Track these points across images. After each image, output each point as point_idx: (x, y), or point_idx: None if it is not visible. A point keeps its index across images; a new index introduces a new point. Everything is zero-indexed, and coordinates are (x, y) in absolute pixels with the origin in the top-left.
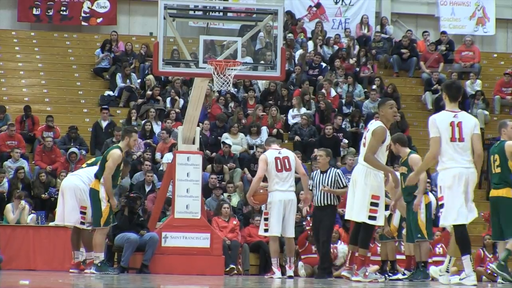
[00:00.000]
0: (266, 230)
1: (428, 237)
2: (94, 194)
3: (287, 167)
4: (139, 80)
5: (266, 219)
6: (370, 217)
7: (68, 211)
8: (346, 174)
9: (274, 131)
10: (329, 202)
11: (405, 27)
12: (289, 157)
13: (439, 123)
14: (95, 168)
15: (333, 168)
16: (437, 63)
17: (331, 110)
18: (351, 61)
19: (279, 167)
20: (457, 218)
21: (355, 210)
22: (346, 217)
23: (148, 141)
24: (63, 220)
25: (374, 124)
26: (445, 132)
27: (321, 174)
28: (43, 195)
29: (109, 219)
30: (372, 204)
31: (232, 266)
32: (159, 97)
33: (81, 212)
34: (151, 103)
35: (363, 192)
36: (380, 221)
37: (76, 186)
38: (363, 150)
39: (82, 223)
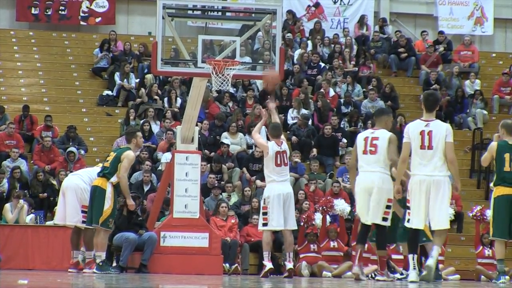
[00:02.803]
0: (265, 225)
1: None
2: (99, 192)
3: (285, 161)
4: (137, 80)
5: (264, 213)
6: (384, 219)
7: (70, 211)
8: (345, 174)
9: None
10: None
11: (403, 27)
12: (287, 151)
13: (411, 131)
14: (97, 169)
15: None
16: (436, 63)
17: (328, 109)
18: (350, 65)
19: (279, 162)
20: (413, 222)
21: (372, 213)
22: (372, 221)
23: (148, 143)
24: (64, 219)
25: (383, 132)
26: (415, 140)
27: None
28: (40, 195)
29: (107, 221)
30: (387, 207)
31: (225, 265)
32: (156, 97)
33: (83, 211)
34: (149, 103)
35: (380, 196)
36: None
37: (77, 185)
38: (373, 158)
39: (83, 222)
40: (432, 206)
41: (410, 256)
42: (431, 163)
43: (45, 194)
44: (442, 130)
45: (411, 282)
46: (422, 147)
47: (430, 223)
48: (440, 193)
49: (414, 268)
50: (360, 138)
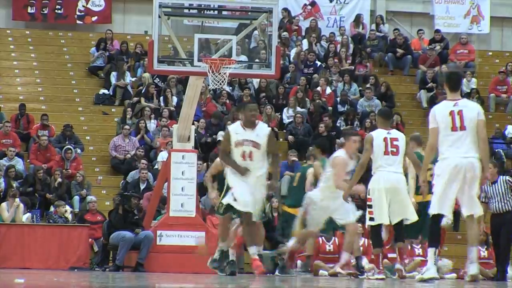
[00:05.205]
0: None
1: None
2: None
3: None
4: (133, 79)
5: None
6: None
7: None
8: None
9: None
10: (509, 209)
11: (400, 25)
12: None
13: (438, 114)
14: None
15: (501, 177)
16: (434, 64)
17: (320, 112)
18: (345, 64)
19: None
20: (440, 209)
21: (407, 212)
22: (396, 221)
23: (146, 138)
24: None
25: (398, 133)
26: (445, 122)
27: (492, 185)
28: (48, 194)
29: None
30: None
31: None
32: (154, 90)
33: None
34: (146, 102)
35: (405, 195)
36: None
37: None
38: (396, 159)
39: None
40: (466, 191)
41: (431, 250)
42: (464, 144)
43: (51, 195)
44: (473, 109)
45: (430, 279)
46: (454, 128)
47: (462, 209)
48: (474, 177)
49: (435, 264)
50: (378, 138)
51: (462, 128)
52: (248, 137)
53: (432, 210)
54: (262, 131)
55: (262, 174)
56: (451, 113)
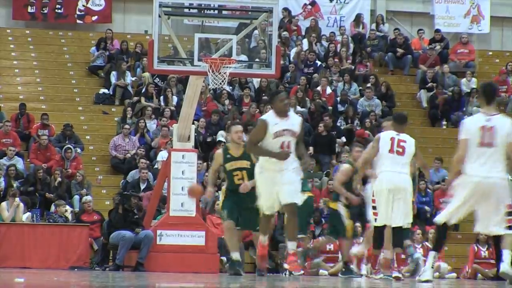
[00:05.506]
0: None
1: None
2: None
3: None
4: (133, 78)
5: None
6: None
7: None
8: None
9: None
10: None
11: (400, 25)
12: None
13: (469, 126)
14: None
15: None
16: (434, 64)
17: (320, 112)
18: (346, 64)
19: None
20: (449, 219)
21: (405, 215)
22: (397, 224)
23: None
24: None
25: (408, 137)
26: (474, 136)
27: None
28: (47, 194)
29: None
30: None
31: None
32: (153, 95)
33: None
34: (146, 101)
35: (410, 199)
36: None
37: None
38: (402, 159)
39: None
40: (485, 210)
41: (432, 254)
42: (489, 161)
43: (51, 195)
44: (505, 127)
45: (426, 281)
46: (482, 143)
47: (476, 225)
48: (496, 197)
49: (432, 267)
50: (385, 137)
51: (490, 145)
52: (286, 126)
53: (442, 219)
54: (296, 119)
55: (296, 160)
56: (483, 128)
